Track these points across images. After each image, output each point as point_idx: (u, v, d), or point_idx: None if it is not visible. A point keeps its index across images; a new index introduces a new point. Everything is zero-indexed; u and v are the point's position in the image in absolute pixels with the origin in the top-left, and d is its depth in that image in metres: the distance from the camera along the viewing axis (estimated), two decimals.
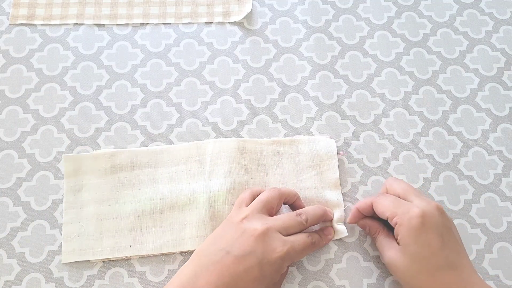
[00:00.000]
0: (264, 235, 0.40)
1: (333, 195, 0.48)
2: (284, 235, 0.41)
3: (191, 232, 0.46)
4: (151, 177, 0.49)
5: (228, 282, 0.38)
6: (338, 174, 0.49)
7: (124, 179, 0.48)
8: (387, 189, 0.46)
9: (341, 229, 0.47)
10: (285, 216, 0.43)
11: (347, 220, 0.47)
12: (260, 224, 0.40)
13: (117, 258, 0.46)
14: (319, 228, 0.47)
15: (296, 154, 0.50)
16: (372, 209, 0.44)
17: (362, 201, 0.46)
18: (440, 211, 0.41)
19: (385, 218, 0.43)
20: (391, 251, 0.42)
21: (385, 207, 0.43)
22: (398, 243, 0.42)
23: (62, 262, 0.45)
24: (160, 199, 0.47)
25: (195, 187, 0.48)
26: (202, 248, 0.41)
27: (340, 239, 0.47)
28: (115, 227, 0.46)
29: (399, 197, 0.44)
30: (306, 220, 0.43)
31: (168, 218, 0.47)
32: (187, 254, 0.46)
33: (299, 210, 0.44)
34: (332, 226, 0.47)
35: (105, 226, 0.46)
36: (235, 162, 0.49)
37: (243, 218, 0.41)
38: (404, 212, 0.41)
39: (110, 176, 0.48)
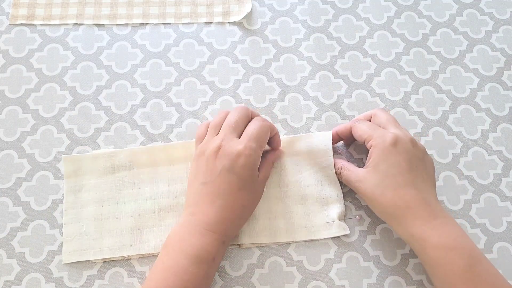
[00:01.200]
0: (222, 148, 0.43)
1: (333, 191, 0.48)
2: (239, 134, 0.44)
3: None
4: (150, 176, 0.49)
5: (218, 203, 0.42)
6: (334, 170, 0.49)
7: (124, 178, 0.48)
8: (371, 116, 0.48)
9: (342, 226, 0.47)
10: (230, 116, 0.46)
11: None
12: (215, 141, 0.43)
13: (118, 258, 0.46)
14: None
15: (294, 152, 0.50)
16: (350, 133, 0.48)
17: (341, 125, 0.49)
18: (413, 143, 0.44)
19: (362, 141, 0.46)
20: (358, 177, 0.44)
21: (363, 131, 0.46)
22: (368, 167, 0.44)
23: (63, 262, 0.45)
24: (160, 198, 0.48)
25: None
26: (187, 193, 0.45)
27: (340, 239, 0.47)
28: (115, 226, 0.46)
29: (379, 126, 0.46)
30: (248, 108, 0.46)
31: (168, 217, 0.47)
32: None
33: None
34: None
35: (106, 226, 0.46)
36: None
37: (204, 150, 0.44)
38: (379, 136, 0.44)
39: (109, 176, 0.48)
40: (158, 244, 0.46)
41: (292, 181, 0.49)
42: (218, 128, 0.45)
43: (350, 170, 0.46)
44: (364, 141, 0.46)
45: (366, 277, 0.46)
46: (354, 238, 0.48)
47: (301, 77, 0.55)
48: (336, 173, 0.48)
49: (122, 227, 0.46)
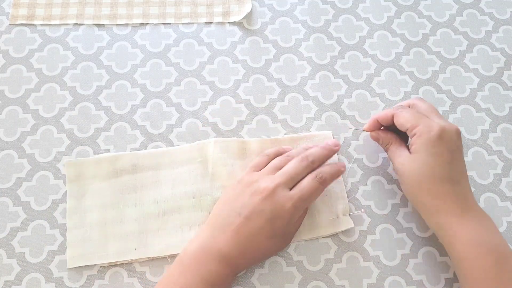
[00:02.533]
0: (272, 194, 0.42)
1: (337, 187, 0.49)
2: (294, 184, 0.44)
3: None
4: (154, 179, 0.48)
5: (243, 241, 0.41)
6: (380, 143, 0.49)
7: (127, 182, 0.48)
8: (410, 105, 0.47)
9: (346, 221, 0.47)
10: (292, 164, 0.45)
11: (364, 127, 0.49)
12: (268, 183, 0.43)
13: (123, 262, 0.45)
14: (327, 163, 0.47)
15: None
16: (391, 120, 0.46)
17: (382, 112, 0.48)
18: (458, 134, 0.44)
19: (404, 130, 0.45)
20: (402, 158, 0.44)
21: (406, 119, 0.44)
22: (410, 153, 0.44)
23: (67, 267, 0.45)
24: (164, 201, 0.47)
25: (199, 189, 0.48)
26: (215, 212, 0.44)
27: (340, 239, 0.47)
28: (119, 231, 0.46)
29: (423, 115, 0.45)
30: (313, 162, 0.45)
31: (172, 220, 0.47)
32: None
33: (303, 153, 0.46)
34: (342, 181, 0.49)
35: (110, 230, 0.46)
36: (237, 163, 0.49)
37: (254, 182, 0.44)
38: (425, 125, 0.43)
39: (112, 180, 0.48)
40: (163, 247, 0.46)
41: None
42: (279, 168, 0.45)
43: (398, 148, 0.45)
44: (407, 129, 0.44)
45: (366, 277, 0.46)
46: (354, 238, 0.48)
47: (301, 77, 0.55)
48: (382, 144, 0.47)
49: (127, 231, 0.46)
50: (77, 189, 0.48)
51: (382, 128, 0.49)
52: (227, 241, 0.41)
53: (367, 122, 0.49)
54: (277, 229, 0.42)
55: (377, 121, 0.48)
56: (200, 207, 0.47)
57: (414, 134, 0.43)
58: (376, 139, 0.48)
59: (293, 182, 0.44)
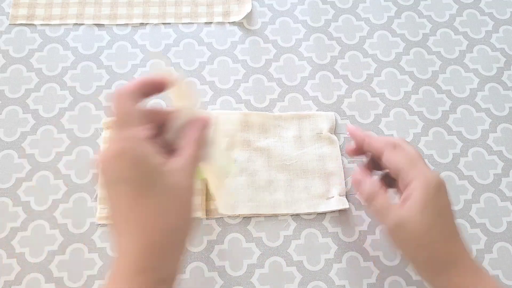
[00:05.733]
0: (98, 165, 0.31)
1: (335, 167, 0.50)
2: None
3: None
4: None
5: (129, 229, 0.30)
6: (338, 147, 0.50)
7: None
8: (395, 145, 0.40)
9: (342, 201, 0.48)
10: None
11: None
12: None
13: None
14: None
15: (298, 128, 0.51)
16: (378, 154, 0.41)
17: (374, 140, 0.42)
18: (444, 185, 0.39)
19: (395, 172, 0.39)
20: (399, 216, 0.37)
21: (399, 161, 0.39)
22: (403, 203, 0.38)
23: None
24: None
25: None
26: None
27: (340, 239, 0.47)
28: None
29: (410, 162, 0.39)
30: None
31: None
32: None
33: None
34: None
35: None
36: (237, 135, 0.50)
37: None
38: (421, 173, 0.38)
39: None
40: None
41: (294, 155, 0.50)
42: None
43: (388, 205, 0.38)
44: (399, 173, 0.39)
45: (366, 277, 0.46)
46: (354, 238, 0.48)
47: (301, 77, 0.55)
48: (364, 200, 0.41)
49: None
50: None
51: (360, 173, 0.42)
52: (120, 249, 0.31)
53: (353, 128, 0.44)
54: (130, 179, 0.30)
55: (363, 141, 0.42)
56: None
57: (410, 183, 0.38)
58: (356, 187, 0.41)
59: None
